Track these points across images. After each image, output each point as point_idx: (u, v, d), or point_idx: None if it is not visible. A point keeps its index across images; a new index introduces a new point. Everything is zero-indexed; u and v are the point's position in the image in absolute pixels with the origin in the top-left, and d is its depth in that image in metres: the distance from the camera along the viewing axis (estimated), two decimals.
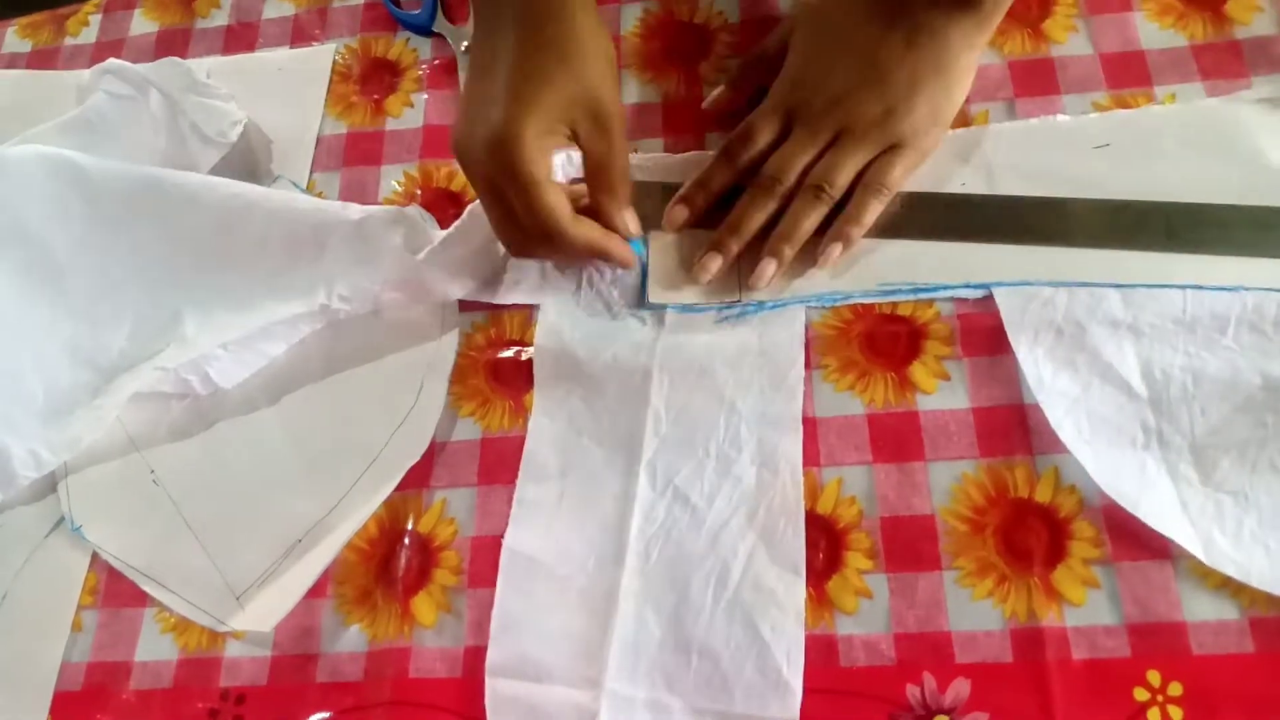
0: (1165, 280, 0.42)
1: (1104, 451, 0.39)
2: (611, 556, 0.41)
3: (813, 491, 0.41)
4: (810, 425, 0.42)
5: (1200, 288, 0.41)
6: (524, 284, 0.48)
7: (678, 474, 0.42)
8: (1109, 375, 0.41)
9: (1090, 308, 0.42)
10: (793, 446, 0.42)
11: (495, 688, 0.39)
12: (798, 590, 0.39)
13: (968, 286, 0.44)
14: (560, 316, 0.47)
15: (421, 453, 0.44)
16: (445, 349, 0.47)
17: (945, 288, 0.44)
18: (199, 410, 0.48)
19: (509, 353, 0.47)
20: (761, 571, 0.40)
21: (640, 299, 0.46)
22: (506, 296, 0.48)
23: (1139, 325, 0.41)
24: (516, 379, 0.46)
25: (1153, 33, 0.49)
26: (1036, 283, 0.43)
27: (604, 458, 0.43)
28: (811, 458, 0.42)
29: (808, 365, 0.43)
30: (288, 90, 0.57)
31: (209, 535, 0.45)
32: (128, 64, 0.54)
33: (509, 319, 0.48)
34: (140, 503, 0.46)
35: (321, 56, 0.58)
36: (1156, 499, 0.38)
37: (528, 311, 0.47)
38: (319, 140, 0.55)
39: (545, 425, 0.44)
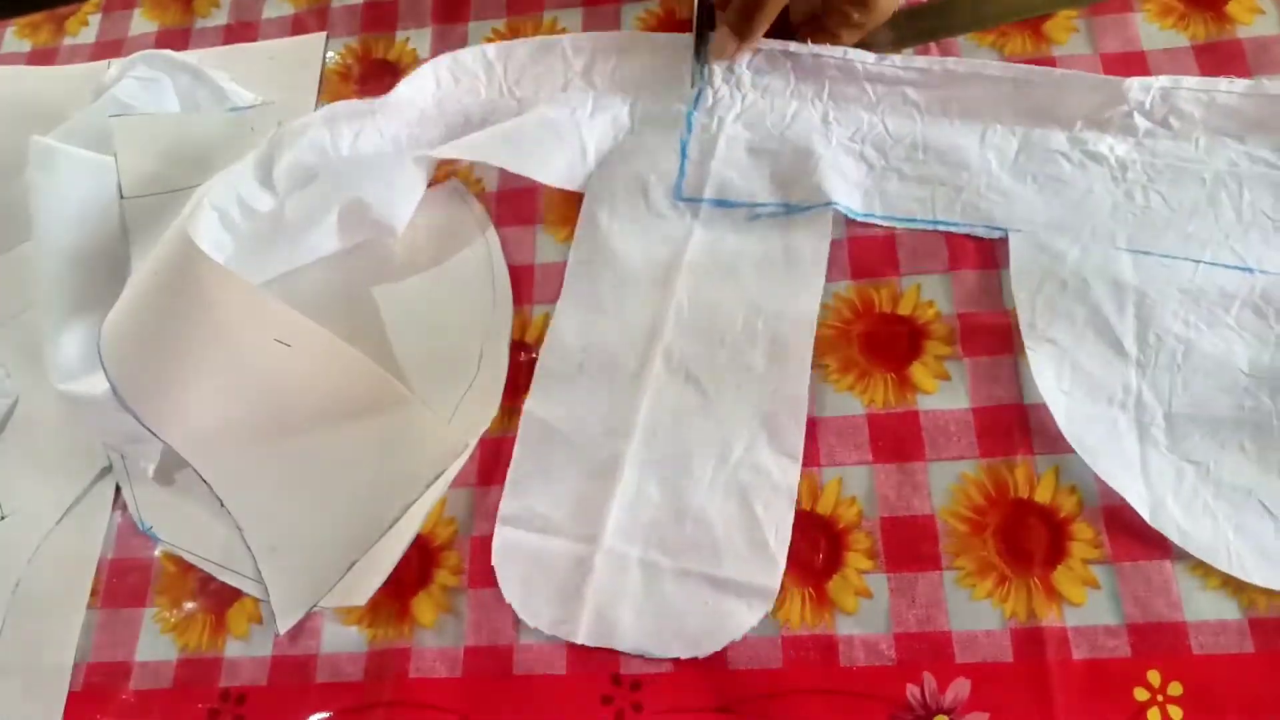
0: (1178, 252, 0.42)
1: (1079, 402, 0.40)
2: (621, 429, 0.43)
3: (812, 491, 0.41)
4: (810, 425, 0.42)
5: (1214, 264, 0.42)
6: (561, 165, 0.49)
7: (691, 360, 0.44)
8: (1104, 331, 0.41)
9: (1100, 266, 0.42)
10: (804, 342, 0.43)
11: (504, 535, 0.42)
12: (793, 474, 0.41)
13: (986, 227, 0.45)
14: (598, 204, 0.48)
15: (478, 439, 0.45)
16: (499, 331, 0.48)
17: (963, 225, 0.45)
18: None
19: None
20: (761, 455, 0.42)
21: (677, 189, 0.48)
22: (547, 177, 0.48)
23: (1144, 289, 0.42)
24: (513, 380, 0.46)
25: (1153, 33, 0.49)
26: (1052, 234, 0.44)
27: (624, 337, 0.45)
28: (811, 458, 0.42)
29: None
30: (280, 78, 0.57)
31: None
32: (157, 51, 0.55)
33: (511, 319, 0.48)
34: (205, 496, 0.45)
35: (313, 44, 0.58)
36: (1118, 455, 0.39)
37: (527, 311, 0.48)
38: None
39: (572, 303, 0.46)
